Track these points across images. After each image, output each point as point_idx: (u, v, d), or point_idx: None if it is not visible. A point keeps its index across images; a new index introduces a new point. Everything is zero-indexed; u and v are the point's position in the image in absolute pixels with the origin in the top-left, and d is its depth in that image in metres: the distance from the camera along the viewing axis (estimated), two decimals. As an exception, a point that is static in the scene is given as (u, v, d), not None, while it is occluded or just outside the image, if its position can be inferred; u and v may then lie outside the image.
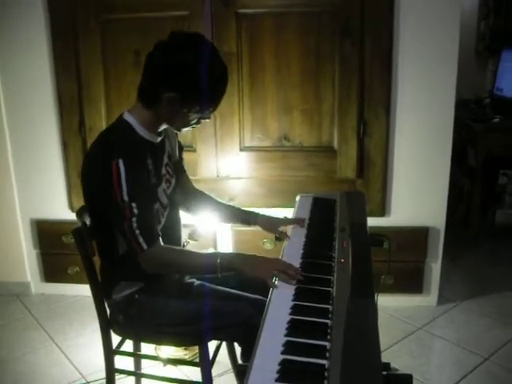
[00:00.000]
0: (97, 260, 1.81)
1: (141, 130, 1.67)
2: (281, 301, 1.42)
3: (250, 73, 2.79)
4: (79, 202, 1.73)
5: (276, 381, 1.09)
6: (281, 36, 2.72)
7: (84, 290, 2.27)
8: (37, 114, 2.98)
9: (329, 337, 1.23)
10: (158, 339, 1.89)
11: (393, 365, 1.28)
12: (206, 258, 1.66)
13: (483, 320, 2.89)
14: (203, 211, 2.05)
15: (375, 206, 2.87)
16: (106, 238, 1.72)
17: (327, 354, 1.16)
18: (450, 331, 2.79)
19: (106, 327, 1.84)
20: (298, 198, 2.27)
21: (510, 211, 3.99)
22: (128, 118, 1.67)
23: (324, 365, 1.13)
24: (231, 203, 2.19)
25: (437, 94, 2.73)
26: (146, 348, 2.27)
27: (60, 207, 3.09)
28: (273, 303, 1.42)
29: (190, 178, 2.07)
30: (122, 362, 1.99)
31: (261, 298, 1.66)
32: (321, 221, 2.01)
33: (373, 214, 2.82)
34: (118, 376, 1.94)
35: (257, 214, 2.03)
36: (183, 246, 1.98)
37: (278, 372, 1.11)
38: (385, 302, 2.60)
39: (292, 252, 1.75)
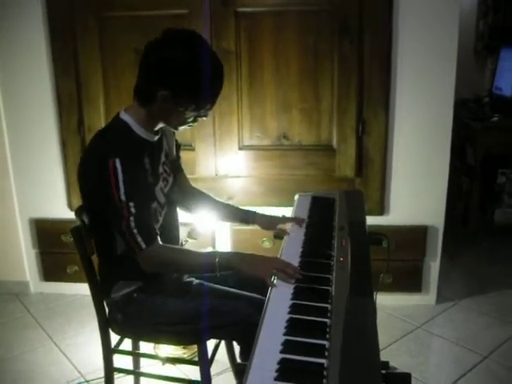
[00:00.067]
0: (95, 259, 1.81)
1: (137, 129, 1.66)
2: (280, 300, 1.42)
3: (248, 71, 2.78)
4: (78, 201, 1.73)
5: (275, 380, 1.09)
6: (280, 35, 2.72)
7: (83, 289, 2.27)
8: (36, 114, 2.98)
9: (328, 336, 1.23)
10: (157, 338, 1.89)
11: (391, 363, 1.29)
12: (205, 257, 1.65)
13: (482, 318, 2.89)
14: (201, 210, 2.05)
15: (374, 204, 2.87)
16: (104, 238, 1.72)
17: (326, 353, 1.16)
18: (449, 330, 2.79)
19: (104, 326, 1.84)
20: (296, 196, 2.27)
21: (509, 210, 3.99)
22: (124, 116, 1.66)
23: (323, 364, 1.13)
24: (230, 202, 2.19)
25: (436, 92, 2.73)
26: (145, 347, 2.27)
27: (59, 206, 3.09)
28: (271, 302, 1.42)
29: (189, 176, 2.06)
30: (121, 361, 1.98)
31: (259, 296, 1.66)
32: (320, 219, 2.01)
33: (372, 213, 2.81)
34: (116, 375, 1.93)
35: (255, 213, 2.03)
36: (181, 244, 1.98)
37: (276, 371, 1.11)
38: (384, 300, 2.60)
39: (291, 251, 1.74)
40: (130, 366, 2.17)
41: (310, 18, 2.69)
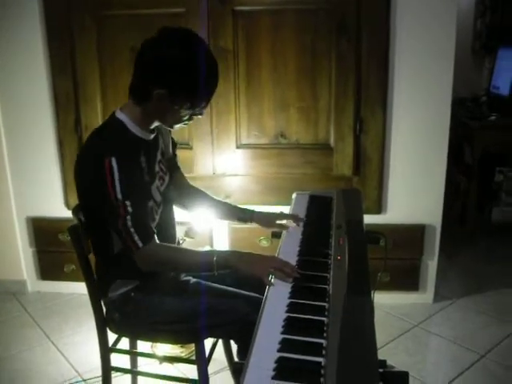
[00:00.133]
0: (93, 258, 1.80)
1: (133, 128, 1.66)
2: (277, 298, 1.42)
3: (246, 70, 2.78)
4: (75, 200, 1.73)
5: (272, 378, 1.09)
6: (277, 33, 2.72)
7: (80, 288, 2.26)
8: (33, 113, 2.97)
9: (325, 334, 1.23)
10: (155, 337, 1.89)
11: (389, 362, 1.29)
12: (202, 256, 1.65)
13: (479, 317, 2.90)
14: (198, 208, 2.05)
15: (371, 203, 2.87)
16: (101, 237, 1.72)
17: (323, 352, 1.16)
18: (447, 328, 2.79)
19: (102, 325, 1.83)
20: (294, 195, 2.27)
21: (506, 209, 4.00)
22: (120, 115, 1.66)
23: (320, 362, 1.13)
24: (227, 201, 2.19)
25: (433, 91, 2.73)
26: (143, 346, 2.27)
27: (56, 205, 3.08)
28: (269, 301, 1.42)
29: (187, 175, 2.06)
30: (119, 360, 1.98)
31: (257, 295, 1.66)
32: (317, 218, 2.01)
33: (369, 212, 2.82)
34: (114, 374, 1.93)
35: (253, 211, 2.04)
36: (178, 243, 1.97)
37: (274, 370, 1.11)
38: (381, 299, 2.61)
39: (288, 249, 1.75)
40: (128, 365, 2.17)
41: (308, 16, 2.69)
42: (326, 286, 1.47)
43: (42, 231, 3.16)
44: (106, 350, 1.87)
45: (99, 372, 1.91)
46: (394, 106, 2.77)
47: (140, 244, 1.56)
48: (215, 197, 2.07)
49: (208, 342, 1.82)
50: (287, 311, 1.35)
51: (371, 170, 2.84)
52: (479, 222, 3.94)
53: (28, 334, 2.82)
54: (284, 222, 2.01)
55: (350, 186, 2.84)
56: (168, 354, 2.44)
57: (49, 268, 3.22)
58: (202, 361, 1.78)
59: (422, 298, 3.04)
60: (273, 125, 2.85)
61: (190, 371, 2.12)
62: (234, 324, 1.66)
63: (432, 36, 2.66)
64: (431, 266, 3.00)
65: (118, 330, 1.85)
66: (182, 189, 2.01)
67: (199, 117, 1.71)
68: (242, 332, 1.60)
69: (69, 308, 3.09)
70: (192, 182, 2.08)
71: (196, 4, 2.68)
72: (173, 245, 1.82)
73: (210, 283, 1.81)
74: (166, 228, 1.81)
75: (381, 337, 2.58)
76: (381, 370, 1.13)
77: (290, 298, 1.42)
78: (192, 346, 2.23)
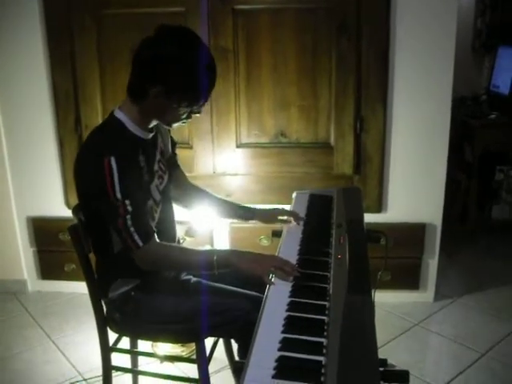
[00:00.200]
0: (93, 257, 1.80)
1: (131, 127, 1.66)
2: (277, 297, 1.42)
3: (246, 69, 2.78)
4: (75, 199, 1.73)
5: (273, 377, 1.09)
6: (277, 32, 2.72)
7: (81, 288, 2.26)
8: (33, 112, 2.97)
9: (326, 333, 1.23)
10: (155, 336, 1.89)
11: (390, 361, 1.29)
12: (203, 255, 1.65)
13: (480, 316, 2.89)
14: (199, 206, 2.04)
15: (372, 202, 2.87)
16: (101, 236, 1.71)
17: (324, 351, 1.16)
18: (447, 327, 2.79)
19: (102, 324, 1.83)
20: (294, 194, 2.27)
21: (507, 207, 4.00)
22: (118, 114, 1.66)
23: (321, 361, 1.13)
24: (228, 199, 2.18)
25: (433, 90, 2.73)
26: (143, 345, 2.27)
27: (56, 204, 3.08)
28: (269, 300, 1.42)
29: (187, 174, 2.06)
30: (119, 359, 1.98)
31: (258, 294, 1.65)
32: (317, 217, 2.01)
33: (370, 210, 2.82)
34: (114, 373, 1.93)
35: (254, 209, 2.04)
36: (178, 242, 1.97)
37: (274, 368, 1.11)
38: (382, 298, 2.60)
39: (289, 248, 1.75)
40: (128, 365, 2.17)
41: (308, 15, 2.69)
42: (327, 285, 1.47)
43: (42, 231, 3.15)
44: (106, 350, 1.87)
45: (100, 371, 1.91)
46: (394, 104, 2.76)
47: (140, 243, 1.56)
48: (216, 195, 2.07)
49: (209, 341, 1.82)
50: (288, 310, 1.35)
51: (372, 169, 2.84)
52: (480, 221, 3.94)
53: (28, 333, 2.82)
54: (285, 217, 2.01)
55: (350, 184, 2.84)
56: (169, 354, 2.44)
57: (49, 267, 3.22)
58: (202, 360, 1.78)
59: (423, 296, 3.04)
60: (273, 124, 2.84)
61: (191, 370, 2.12)
62: (235, 323, 1.66)
63: (432, 35, 2.66)
64: (432, 264, 3.00)
65: (119, 330, 1.85)
66: (182, 187, 2.00)
67: (197, 115, 1.70)
68: (242, 331, 1.60)
69: (69, 307, 3.09)
70: (192, 182, 2.08)
71: (196, 3, 2.68)
72: (173, 244, 1.82)
73: (210, 282, 1.81)
74: (166, 227, 1.81)
75: (381, 336, 2.56)
76: (381, 369, 1.13)
77: (290, 296, 1.42)
78: (193, 345, 2.22)
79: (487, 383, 2.34)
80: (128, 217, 1.54)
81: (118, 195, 1.52)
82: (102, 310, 1.83)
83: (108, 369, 1.89)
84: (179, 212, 1.97)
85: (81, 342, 2.72)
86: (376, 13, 2.64)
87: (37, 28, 2.82)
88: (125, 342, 1.99)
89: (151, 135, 1.74)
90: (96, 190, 1.55)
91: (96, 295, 1.81)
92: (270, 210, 2.06)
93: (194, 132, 2.86)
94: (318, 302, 1.38)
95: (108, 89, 2.87)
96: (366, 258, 1.56)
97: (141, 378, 2.25)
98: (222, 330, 1.76)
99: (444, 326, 2.81)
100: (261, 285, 1.53)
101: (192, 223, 2.50)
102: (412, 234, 2.92)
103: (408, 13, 2.63)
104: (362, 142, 2.81)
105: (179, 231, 1.96)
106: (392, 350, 2.58)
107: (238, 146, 2.89)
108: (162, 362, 2.47)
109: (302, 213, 2.04)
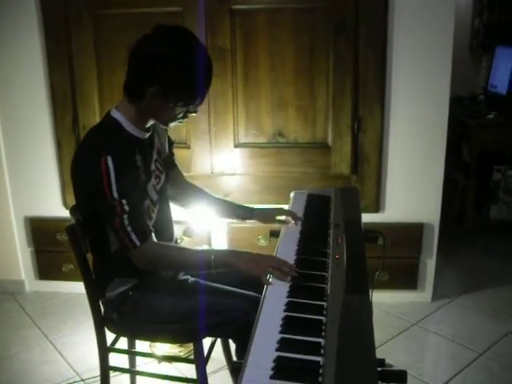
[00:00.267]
0: (90, 257, 1.80)
1: (128, 126, 1.66)
2: (275, 297, 1.42)
3: (244, 69, 2.78)
4: (73, 199, 1.72)
5: (271, 378, 1.09)
6: (275, 32, 2.71)
7: (78, 288, 2.26)
8: (30, 112, 2.96)
9: (323, 333, 1.23)
10: (153, 336, 1.89)
11: (387, 361, 1.29)
12: (200, 255, 1.65)
13: (478, 316, 2.90)
14: (196, 205, 2.04)
15: (370, 202, 2.87)
16: (98, 236, 1.71)
17: (322, 351, 1.16)
18: (445, 327, 2.80)
19: (100, 325, 1.83)
20: (292, 194, 2.27)
21: (504, 207, 4.00)
22: (115, 114, 1.66)
23: (319, 361, 1.13)
24: (226, 199, 2.18)
25: (431, 90, 2.73)
26: (141, 345, 2.26)
27: (54, 204, 3.08)
28: (267, 300, 1.42)
29: (185, 174, 2.06)
30: (117, 360, 1.98)
31: (255, 294, 1.66)
32: (315, 217, 2.01)
33: (367, 210, 2.82)
34: (112, 373, 1.93)
35: (252, 209, 2.04)
36: (176, 242, 1.97)
37: (272, 369, 1.11)
38: (379, 298, 2.60)
39: (286, 249, 1.74)
40: (126, 365, 2.17)
41: (305, 15, 2.69)
42: (325, 285, 1.47)
43: (39, 231, 3.15)
44: (104, 350, 1.86)
45: (97, 372, 1.91)
46: (391, 104, 2.76)
47: (137, 243, 1.56)
48: (214, 194, 2.07)
49: (206, 342, 1.82)
50: (285, 310, 1.35)
51: (369, 169, 2.84)
52: (477, 221, 3.95)
53: (26, 333, 2.82)
54: (283, 217, 2.01)
55: (348, 184, 2.84)
56: (166, 354, 2.43)
57: (47, 268, 3.22)
58: (200, 360, 1.77)
59: (421, 296, 3.04)
60: (271, 124, 2.84)
61: (189, 370, 2.11)
62: (233, 323, 1.66)
63: (430, 34, 2.66)
64: (429, 264, 3.00)
65: (117, 330, 1.84)
66: (179, 186, 2.00)
67: (194, 115, 1.70)
68: (240, 331, 1.61)
69: (67, 308, 3.08)
70: (190, 181, 2.08)
71: (193, 3, 2.68)
72: (170, 243, 1.82)
73: (208, 282, 1.81)
74: (164, 227, 1.81)
75: (379, 335, 2.57)
76: (379, 369, 1.13)
77: (288, 297, 1.42)
78: (190, 346, 2.23)
79: (485, 383, 2.34)
80: (125, 216, 1.54)
81: (115, 195, 1.52)
82: (100, 310, 1.82)
83: (106, 369, 1.89)
84: (177, 212, 1.97)
85: (78, 343, 2.71)
86: (373, 13, 2.64)
87: (34, 27, 2.81)
88: (122, 343, 1.98)
89: (148, 135, 1.74)
90: (93, 190, 1.55)
91: (94, 295, 1.80)
92: (268, 209, 2.06)
93: (191, 132, 2.86)
94: (316, 302, 1.38)
95: (105, 89, 2.86)
96: (363, 257, 1.55)
97: (139, 378, 2.25)
98: (219, 330, 1.76)
99: (442, 325, 2.81)
100: (259, 285, 1.52)
101: (190, 223, 2.50)
102: (410, 234, 2.92)
103: (405, 12, 2.63)
104: (360, 142, 2.81)
105: (177, 231, 1.96)
106: (390, 349, 2.58)
107: (235, 146, 2.89)
108: (159, 362, 2.47)
109: (300, 213, 2.04)
